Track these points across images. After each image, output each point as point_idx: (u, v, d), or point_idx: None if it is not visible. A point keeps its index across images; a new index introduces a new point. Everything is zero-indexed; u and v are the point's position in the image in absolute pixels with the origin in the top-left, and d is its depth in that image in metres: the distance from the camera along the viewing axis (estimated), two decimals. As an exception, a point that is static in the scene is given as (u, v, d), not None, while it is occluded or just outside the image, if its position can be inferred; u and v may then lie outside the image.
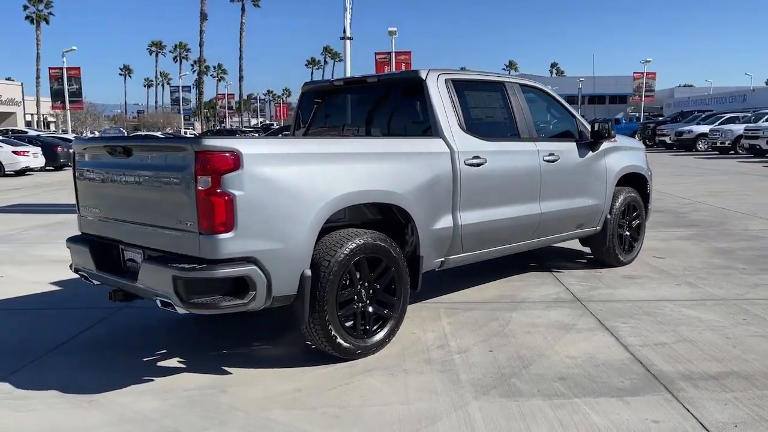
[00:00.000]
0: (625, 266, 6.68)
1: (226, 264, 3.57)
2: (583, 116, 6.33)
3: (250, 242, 3.62)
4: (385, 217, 4.59)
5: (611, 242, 6.47)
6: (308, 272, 3.86)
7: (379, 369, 4.04)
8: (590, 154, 6.09)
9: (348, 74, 13.77)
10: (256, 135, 52.76)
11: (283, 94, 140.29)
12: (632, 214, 6.76)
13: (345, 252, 4.01)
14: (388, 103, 5.39)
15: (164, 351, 4.50)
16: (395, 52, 30.13)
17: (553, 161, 5.63)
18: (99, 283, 4.44)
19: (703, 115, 34.82)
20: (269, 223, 3.70)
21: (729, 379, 3.75)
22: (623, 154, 6.59)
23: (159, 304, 3.76)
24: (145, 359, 4.36)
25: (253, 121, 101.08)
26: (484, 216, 5.02)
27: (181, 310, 3.65)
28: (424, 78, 4.86)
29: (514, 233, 5.42)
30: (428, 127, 4.92)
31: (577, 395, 3.58)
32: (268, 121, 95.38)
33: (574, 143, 5.99)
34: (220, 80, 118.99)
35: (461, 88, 5.06)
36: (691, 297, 5.50)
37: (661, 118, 47.57)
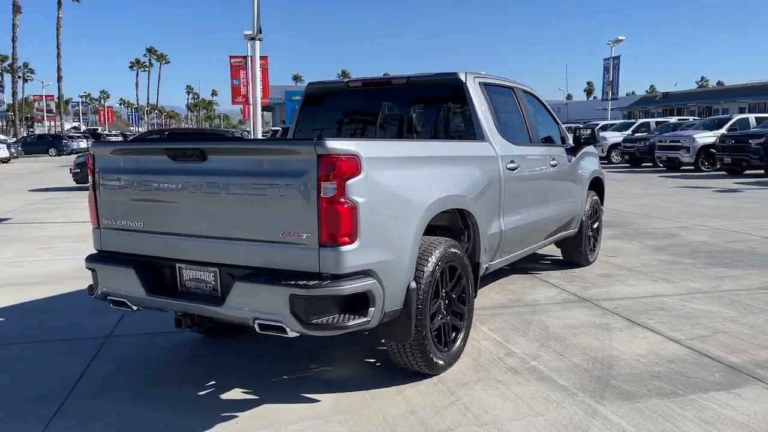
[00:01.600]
0: (591, 265, 7.02)
1: (349, 278, 3.20)
2: None
3: (369, 253, 3.29)
4: (439, 224, 4.40)
5: (585, 243, 6.77)
6: (413, 284, 3.59)
7: (473, 382, 3.86)
8: (573, 158, 6.33)
9: (257, 77, 13.22)
10: (86, 140, 48.16)
11: (100, 97, 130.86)
12: (595, 215, 7.13)
13: (434, 261, 3.79)
14: (418, 106, 5.18)
15: (214, 382, 3.95)
16: (251, 57, 29.29)
17: (554, 165, 5.77)
18: (140, 308, 3.79)
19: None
20: (384, 232, 3.40)
21: (796, 365, 4.06)
22: (591, 159, 6.93)
23: (257, 328, 3.29)
24: (200, 393, 3.79)
25: (67, 126, 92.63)
26: (518, 220, 5.02)
27: (293, 333, 3.21)
28: (464, 80, 4.75)
29: (532, 236, 5.48)
30: (464, 131, 4.82)
31: (686, 392, 3.66)
32: (87, 127, 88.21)
33: (563, 148, 6.19)
34: (27, 81, 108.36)
35: (489, 92, 5.01)
36: (679, 291, 5.90)
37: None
